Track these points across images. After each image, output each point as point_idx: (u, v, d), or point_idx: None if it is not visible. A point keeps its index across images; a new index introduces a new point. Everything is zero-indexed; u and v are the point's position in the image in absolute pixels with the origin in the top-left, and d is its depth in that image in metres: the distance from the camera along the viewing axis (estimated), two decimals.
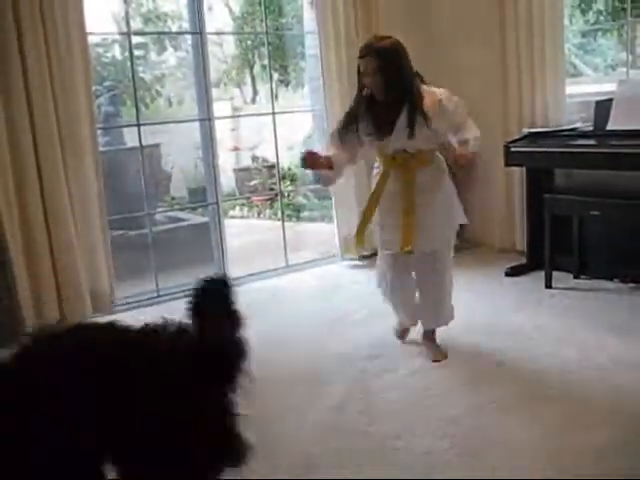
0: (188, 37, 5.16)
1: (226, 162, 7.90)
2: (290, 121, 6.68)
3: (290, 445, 2.48)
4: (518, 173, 4.78)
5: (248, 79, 10.17)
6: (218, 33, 8.35)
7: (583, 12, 6.55)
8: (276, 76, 9.03)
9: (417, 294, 3.44)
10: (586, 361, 3.12)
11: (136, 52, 6.60)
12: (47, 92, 3.93)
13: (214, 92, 5.29)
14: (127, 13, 4.89)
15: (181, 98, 8.64)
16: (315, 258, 5.43)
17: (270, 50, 6.23)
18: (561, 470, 2.27)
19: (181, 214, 6.43)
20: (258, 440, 1.89)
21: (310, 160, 3.07)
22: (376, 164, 3.36)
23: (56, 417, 1.54)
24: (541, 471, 2.28)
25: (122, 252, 4.57)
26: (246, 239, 6.73)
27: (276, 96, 7.89)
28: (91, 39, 4.54)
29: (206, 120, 4.83)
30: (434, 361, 3.28)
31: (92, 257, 4.22)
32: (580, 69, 6.41)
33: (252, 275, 4.97)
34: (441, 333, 3.43)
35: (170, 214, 6.38)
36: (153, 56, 8.42)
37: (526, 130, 4.59)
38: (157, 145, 6.72)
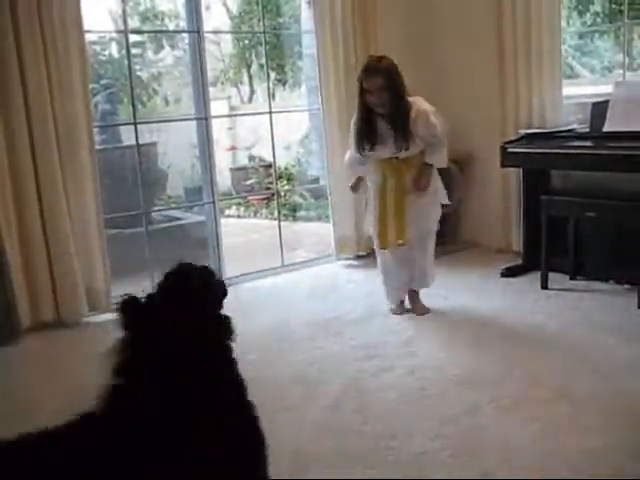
0: (185, 36, 5.16)
1: (223, 161, 7.90)
2: (287, 120, 6.67)
3: (285, 444, 2.47)
4: (514, 174, 4.78)
5: (245, 78, 10.16)
6: (215, 32, 8.32)
7: (580, 14, 6.57)
8: (273, 75, 9.02)
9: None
10: (582, 362, 3.13)
11: (133, 50, 6.58)
12: (44, 90, 3.92)
13: (211, 91, 5.29)
14: (124, 11, 4.90)
15: (178, 97, 8.63)
16: (311, 258, 5.43)
17: (267, 49, 6.21)
18: (559, 471, 2.27)
19: (177, 213, 6.41)
20: None
21: (356, 187, 3.92)
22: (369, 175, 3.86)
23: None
24: (538, 471, 2.28)
25: (118, 250, 4.55)
26: (242, 238, 6.74)
27: (273, 95, 7.89)
28: (88, 37, 4.54)
29: (203, 119, 4.83)
30: (419, 314, 3.89)
31: (88, 255, 4.21)
32: (577, 71, 6.44)
33: (248, 274, 4.97)
34: (439, 331, 3.45)
35: (166, 213, 6.36)
36: (150, 54, 8.41)
37: (523, 131, 4.60)
38: (154, 144, 6.68)
